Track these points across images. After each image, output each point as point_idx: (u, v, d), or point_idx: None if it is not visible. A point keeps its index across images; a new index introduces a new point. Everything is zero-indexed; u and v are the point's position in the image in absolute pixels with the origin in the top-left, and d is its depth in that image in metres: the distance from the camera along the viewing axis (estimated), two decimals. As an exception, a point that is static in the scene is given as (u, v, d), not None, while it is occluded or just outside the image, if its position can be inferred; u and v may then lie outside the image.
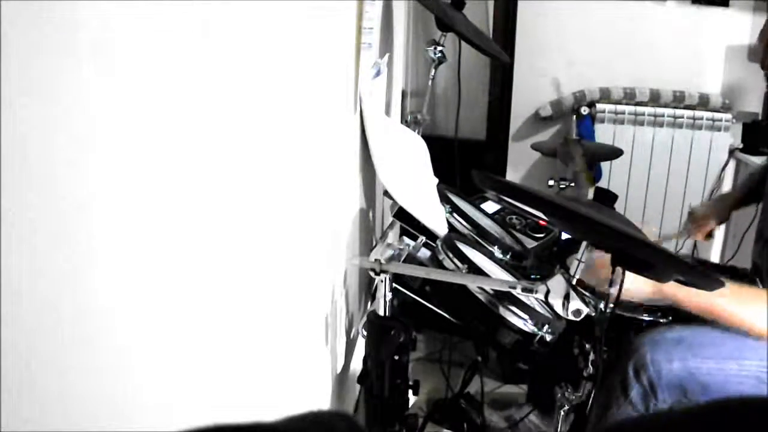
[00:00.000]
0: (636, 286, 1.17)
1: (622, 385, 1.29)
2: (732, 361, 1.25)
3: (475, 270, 1.21)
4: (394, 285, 1.17)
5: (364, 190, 1.57)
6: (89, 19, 0.42)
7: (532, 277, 1.44)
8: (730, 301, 1.18)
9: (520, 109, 2.80)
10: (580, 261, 1.03)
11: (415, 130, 1.75)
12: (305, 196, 1.04)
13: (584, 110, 2.66)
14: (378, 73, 1.53)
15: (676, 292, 1.19)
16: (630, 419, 1.18)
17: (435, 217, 1.45)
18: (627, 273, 1.01)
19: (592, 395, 1.28)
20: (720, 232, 2.76)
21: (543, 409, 1.85)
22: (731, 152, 2.66)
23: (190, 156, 0.60)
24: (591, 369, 1.31)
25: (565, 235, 1.77)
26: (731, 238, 2.62)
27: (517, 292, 1.07)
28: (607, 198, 1.93)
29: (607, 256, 1.01)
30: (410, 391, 1.27)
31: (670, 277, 1.04)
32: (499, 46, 2.33)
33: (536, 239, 1.77)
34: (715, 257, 2.78)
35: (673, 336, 1.29)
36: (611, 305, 1.03)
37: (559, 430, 1.37)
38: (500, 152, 2.85)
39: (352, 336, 1.50)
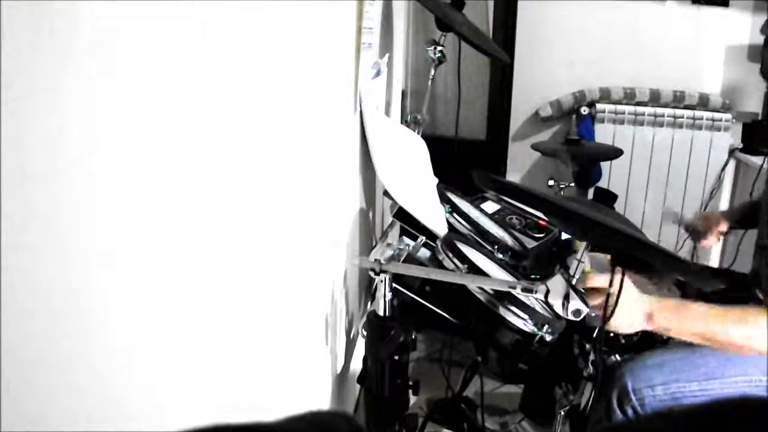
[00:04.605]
0: (625, 323, 1.13)
1: (607, 416, 1.28)
2: (715, 381, 1.24)
3: (475, 270, 1.20)
4: (394, 285, 1.17)
5: (364, 190, 1.57)
6: (89, 18, 0.42)
7: (532, 277, 1.44)
8: (725, 325, 1.14)
9: (520, 109, 2.80)
10: (579, 261, 1.03)
11: (415, 130, 1.75)
12: (305, 196, 1.04)
13: (584, 110, 2.66)
14: (378, 73, 1.53)
15: (667, 325, 1.15)
16: (628, 421, 1.18)
17: (435, 217, 1.45)
18: (616, 311, 1.01)
19: (590, 405, 1.28)
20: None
21: (534, 418, 1.84)
22: (731, 152, 2.66)
23: (191, 156, 0.60)
24: (591, 369, 1.31)
25: (565, 235, 1.77)
26: (731, 241, 2.62)
27: (517, 292, 1.07)
28: (607, 198, 1.93)
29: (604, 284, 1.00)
30: (410, 391, 1.27)
31: (670, 276, 1.04)
32: (499, 46, 2.33)
33: (536, 239, 1.77)
34: (714, 261, 2.78)
35: (654, 361, 1.28)
36: (610, 309, 1.03)
37: (558, 431, 1.37)
38: (500, 152, 2.85)
39: (352, 336, 1.50)
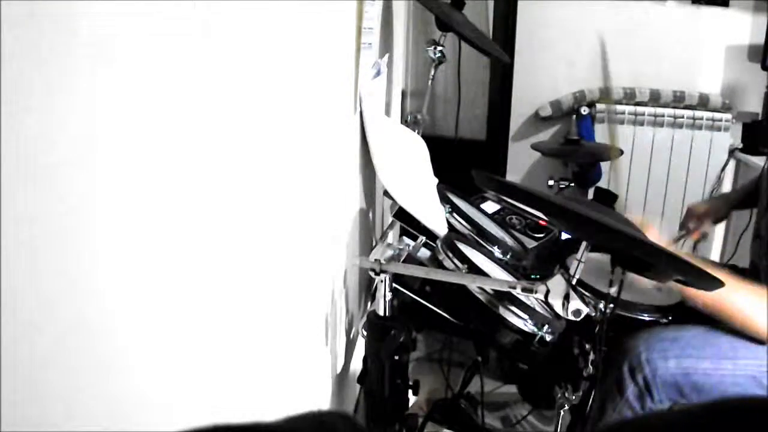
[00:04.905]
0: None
1: (617, 385, 1.29)
2: (727, 361, 1.25)
3: (475, 270, 1.20)
4: (394, 285, 1.17)
5: (364, 190, 1.57)
6: (89, 19, 0.42)
7: (532, 277, 1.44)
8: (738, 293, 1.18)
9: (520, 109, 2.80)
10: (579, 261, 1.03)
11: (415, 130, 1.75)
12: (305, 196, 1.04)
13: (584, 110, 2.66)
14: (378, 73, 1.53)
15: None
16: (629, 419, 1.18)
17: (435, 217, 1.45)
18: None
19: (591, 396, 1.28)
20: (720, 230, 2.76)
21: (535, 404, 1.84)
22: (731, 152, 2.66)
23: (191, 156, 0.60)
24: (591, 369, 1.31)
25: (565, 235, 1.77)
26: (731, 237, 2.62)
27: (517, 292, 1.07)
28: (607, 198, 1.93)
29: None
30: (410, 391, 1.27)
31: (670, 277, 1.04)
32: (499, 46, 2.33)
33: (536, 239, 1.77)
34: (715, 256, 2.78)
35: (668, 335, 1.29)
36: (611, 305, 1.03)
37: (558, 430, 1.37)
38: (500, 152, 2.85)
39: (352, 336, 1.50)
